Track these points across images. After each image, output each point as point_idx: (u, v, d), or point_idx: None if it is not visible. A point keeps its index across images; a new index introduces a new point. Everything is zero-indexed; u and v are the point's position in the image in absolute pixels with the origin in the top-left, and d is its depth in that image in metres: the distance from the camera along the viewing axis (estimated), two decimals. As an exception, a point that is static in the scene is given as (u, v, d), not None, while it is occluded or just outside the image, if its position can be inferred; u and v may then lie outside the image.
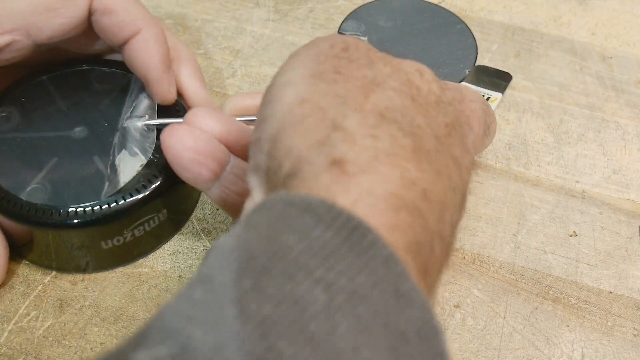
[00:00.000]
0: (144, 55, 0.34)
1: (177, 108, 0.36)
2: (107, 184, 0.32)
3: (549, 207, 0.39)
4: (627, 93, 0.46)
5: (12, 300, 0.33)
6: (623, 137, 0.43)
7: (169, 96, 0.35)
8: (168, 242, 0.36)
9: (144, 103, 0.36)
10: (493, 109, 0.44)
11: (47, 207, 0.31)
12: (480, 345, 0.33)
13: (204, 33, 0.48)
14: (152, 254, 0.36)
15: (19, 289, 0.34)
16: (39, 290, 0.34)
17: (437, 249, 0.22)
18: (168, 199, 0.34)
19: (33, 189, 0.32)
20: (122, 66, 0.36)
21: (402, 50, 0.47)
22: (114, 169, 0.33)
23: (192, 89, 0.37)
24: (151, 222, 0.34)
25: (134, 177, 0.33)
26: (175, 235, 0.37)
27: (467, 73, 0.46)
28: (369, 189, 0.20)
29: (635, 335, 0.34)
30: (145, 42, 0.34)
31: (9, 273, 0.34)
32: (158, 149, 0.34)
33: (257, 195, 0.24)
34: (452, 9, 0.51)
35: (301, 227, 0.18)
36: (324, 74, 0.24)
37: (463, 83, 0.45)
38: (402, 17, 0.50)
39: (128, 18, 0.34)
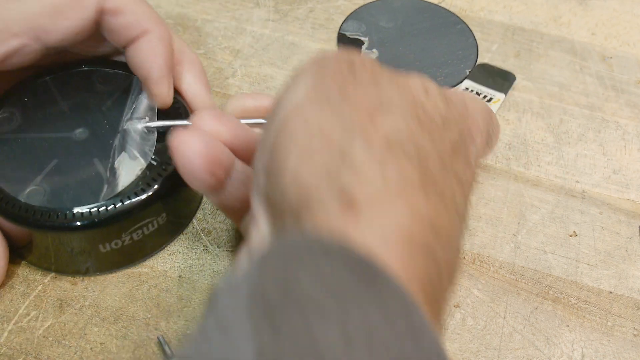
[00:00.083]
0: (148, 56, 0.34)
1: (178, 110, 0.36)
2: (106, 186, 0.32)
3: (549, 207, 0.39)
4: (627, 93, 0.46)
5: (12, 300, 0.33)
6: (623, 137, 0.43)
7: (167, 99, 0.35)
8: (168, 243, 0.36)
9: (144, 105, 0.35)
10: (495, 111, 0.44)
11: (45, 210, 0.31)
12: (480, 345, 0.33)
13: (204, 33, 0.48)
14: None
15: (19, 289, 0.34)
16: (39, 290, 0.34)
17: (444, 278, 0.22)
18: (167, 203, 0.34)
19: (32, 191, 0.32)
20: (125, 67, 0.36)
21: (403, 50, 0.47)
22: (113, 172, 0.33)
23: (196, 92, 0.37)
24: (150, 225, 0.34)
25: (133, 180, 0.33)
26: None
27: (468, 73, 0.46)
28: (381, 226, 0.20)
29: (635, 335, 0.34)
30: (150, 43, 0.34)
31: (9, 273, 0.34)
32: (158, 152, 0.34)
33: (262, 223, 0.24)
34: (452, 9, 0.51)
35: (317, 270, 0.18)
36: (330, 96, 0.23)
37: (466, 81, 0.45)
38: (403, 17, 0.50)
39: (137, 19, 0.34)
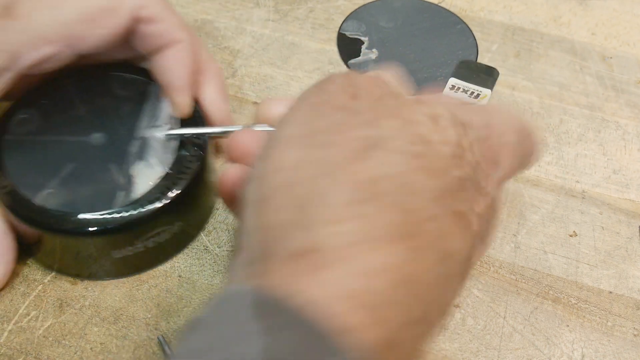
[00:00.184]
0: (175, 65, 0.34)
1: (197, 119, 0.35)
2: (121, 193, 0.32)
3: (549, 207, 0.39)
4: (627, 93, 0.46)
5: (12, 300, 0.33)
6: (623, 137, 0.43)
7: (187, 108, 0.35)
8: (168, 242, 0.36)
9: (165, 112, 0.35)
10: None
11: (59, 213, 0.31)
12: (480, 345, 0.33)
13: (204, 33, 0.48)
14: (152, 254, 0.36)
15: (19, 289, 0.34)
16: (39, 290, 0.34)
17: (420, 330, 0.20)
18: (181, 212, 0.34)
19: (47, 194, 0.32)
20: (144, 73, 0.36)
21: (403, 50, 0.47)
22: (129, 179, 0.33)
23: (214, 102, 0.36)
24: (162, 234, 0.33)
25: (149, 188, 0.32)
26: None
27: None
28: (340, 285, 0.18)
29: (635, 335, 0.34)
30: (179, 53, 0.34)
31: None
32: (176, 161, 0.33)
33: (238, 254, 0.22)
34: (452, 9, 0.51)
35: (261, 333, 0.17)
36: (318, 134, 0.21)
37: (451, 79, 0.45)
38: (403, 17, 0.50)
39: (170, 28, 0.34)
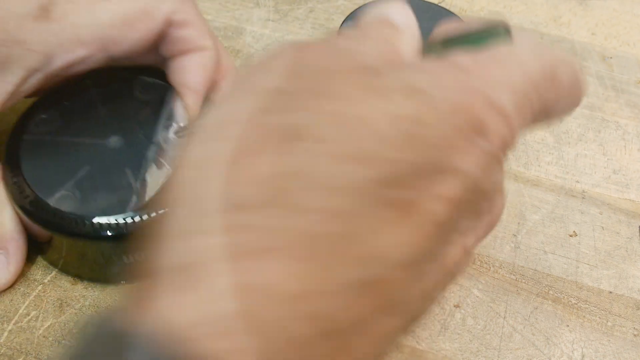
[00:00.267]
0: (196, 70, 0.34)
1: None
2: (134, 197, 0.32)
3: (549, 207, 0.39)
4: (627, 93, 0.46)
5: (12, 300, 0.33)
6: (623, 137, 0.44)
7: (197, 112, 0.35)
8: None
9: (177, 114, 0.35)
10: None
11: (73, 216, 0.31)
12: (480, 345, 0.33)
13: (204, 33, 0.48)
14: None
15: (19, 289, 0.34)
16: (39, 290, 0.34)
17: (337, 345, 0.17)
18: None
19: (62, 196, 0.32)
20: (165, 77, 0.36)
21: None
22: (143, 183, 0.33)
23: None
24: None
25: (159, 190, 0.32)
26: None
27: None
28: (202, 308, 0.16)
29: (635, 335, 0.34)
30: (203, 59, 0.34)
31: (9, 273, 0.34)
32: None
33: None
34: (452, 9, 0.51)
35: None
36: (225, 124, 0.18)
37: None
38: (402, 17, 0.50)
39: (199, 34, 0.34)
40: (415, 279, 0.18)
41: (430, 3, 0.51)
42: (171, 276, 0.16)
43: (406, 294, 0.18)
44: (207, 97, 0.35)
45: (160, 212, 0.31)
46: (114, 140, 0.34)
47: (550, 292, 0.35)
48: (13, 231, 0.32)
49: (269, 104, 0.18)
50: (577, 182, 0.41)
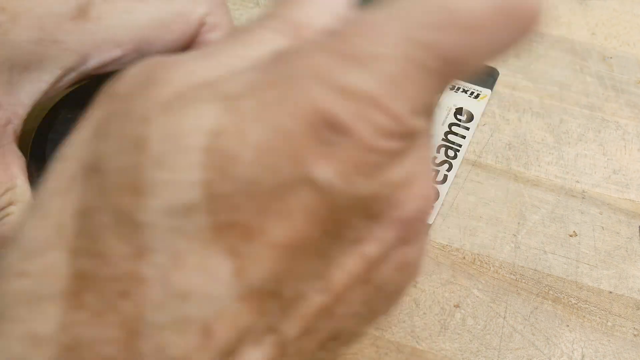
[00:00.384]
0: None
1: None
2: None
3: (549, 207, 0.39)
4: (627, 93, 0.46)
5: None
6: (623, 137, 0.43)
7: None
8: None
9: None
10: (484, 106, 0.44)
11: None
12: (480, 345, 0.33)
13: (204, 33, 0.48)
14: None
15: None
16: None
17: None
18: None
19: None
20: None
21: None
22: None
23: None
24: None
25: None
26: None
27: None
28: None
29: (635, 335, 0.34)
30: None
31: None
32: None
33: None
34: (452, 9, 0.51)
35: None
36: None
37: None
38: (402, 17, 0.50)
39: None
40: (281, 306, 0.15)
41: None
42: None
43: (272, 322, 0.15)
44: None
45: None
46: None
47: (550, 292, 0.35)
48: None
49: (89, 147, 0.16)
50: (577, 182, 0.41)
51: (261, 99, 0.14)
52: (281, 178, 0.14)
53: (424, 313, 0.34)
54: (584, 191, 0.40)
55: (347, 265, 0.15)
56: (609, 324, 0.34)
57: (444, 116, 0.43)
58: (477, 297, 0.35)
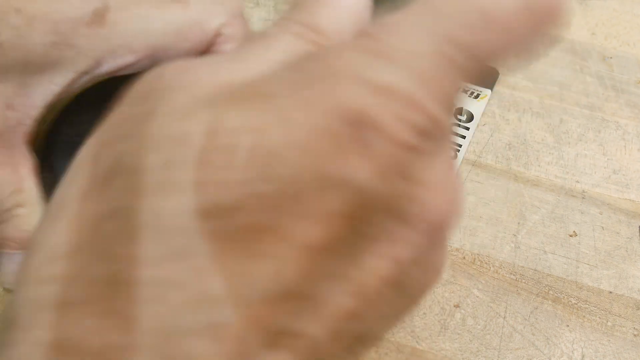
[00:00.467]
0: None
1: None
2: None
3: (549, 207, 0.39)
4: (627, 93, 0.46)
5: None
6: (623, 137, 0.43)
7: None
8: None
9: None
10: (483, 106, 0.44)
11: None
12: (480, 345, 0.33)
13: (204, 33, 0.48)
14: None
15: (19, 289, 0.34)
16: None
17: None
18: None
19: None
20: None
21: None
22: None
23: None
24: None
25: None
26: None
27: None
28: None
29: (635, 335, 0.34)
30: None
31: (9, 273, 0.34)
32: None
33: None
34: (452, 9, 0.51)
35: None
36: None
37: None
38: (402, 17, 0.50)
39: None
40: (310, 308, 0.14)
41: (430, 3, 0.51)
42: None
43: (300, 325, 0.14)
44: None
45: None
46: None
47: (550, 292, 0.35)
48: None
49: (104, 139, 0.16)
50: (577, 182, 0.41)
51: (298, 98, 0.14)
52: (319, 176, 0.14)
53: (424, 313, 0.34)
54: (584, 191, 0.40)
55: (377, 267, 0.15)
56: (609, 324, 0.34)
57: (444, 116, 0.43)
58: (477, 297, 0.35)
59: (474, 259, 0.37)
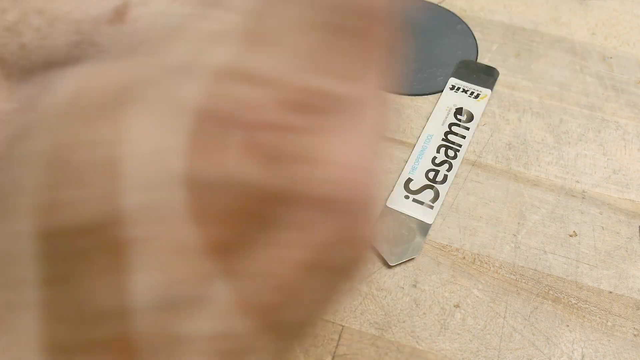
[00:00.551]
0: None
1: None
2: None
3: (549, 207, 0.39)
4: (627, 93, 0.46)
5: (12, 300, 0.33)
6: (623, 137, 0.43)
7: None
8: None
9: None
10: (484, 106, 0.44)
11: None
12: (480, 345, 0.33)
13: (204, 33, 0.48)
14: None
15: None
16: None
17: None
18: None
19: None
20: None
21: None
22: None
23: None
24: None
25: None
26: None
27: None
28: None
29: (635, 335, 0.34)
30: None
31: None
32: None
33: None
34: (452, 9, 0.51)
35: None
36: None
37: (451, 79, 0.45)
38: (402, 17, 0.50)
39: None
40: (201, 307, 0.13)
41: (430, 3, 0.51)
42: None
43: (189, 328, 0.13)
44: None
45: None
46: None
47: (550, 292, 0.35)
48: None
49: None
50: (577, 182, 0.41)
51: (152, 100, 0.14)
52: (193, 181, 0.13)
53: (424, 313, 0.34)
54: (584, 191, 0.40)
55: (288, 256, 0.14)
56: (609, 324, 0.34)
57: (444, 116, 0.43)
58: (477, 297, 0.35)
59: (474, 259, 0.37)
